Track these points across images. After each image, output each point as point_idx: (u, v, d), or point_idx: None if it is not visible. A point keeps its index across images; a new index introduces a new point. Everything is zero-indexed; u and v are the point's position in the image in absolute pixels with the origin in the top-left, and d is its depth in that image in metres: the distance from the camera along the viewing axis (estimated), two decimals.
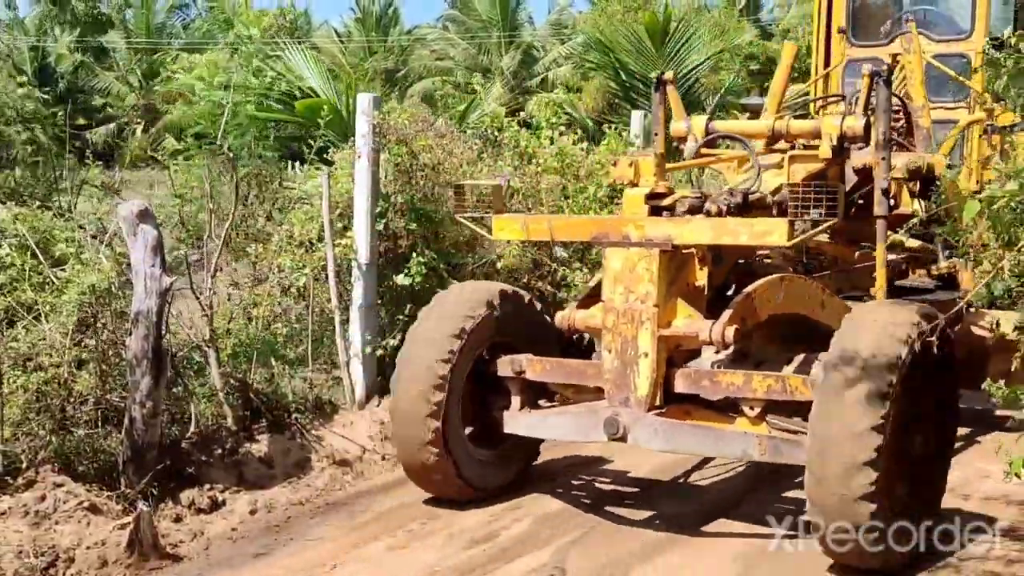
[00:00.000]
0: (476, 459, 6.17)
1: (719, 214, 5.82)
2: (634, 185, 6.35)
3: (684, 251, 5.69)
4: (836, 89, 8.67)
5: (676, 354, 5.72)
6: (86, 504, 5.51)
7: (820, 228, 5.36)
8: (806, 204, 5.16)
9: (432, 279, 7.52)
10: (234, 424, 6.53)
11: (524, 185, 8.58)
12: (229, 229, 6.98)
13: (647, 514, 6.08)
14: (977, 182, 7.40)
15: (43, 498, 5.44)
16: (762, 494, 6.37)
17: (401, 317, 7.58)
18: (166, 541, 5.50)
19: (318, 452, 6.87)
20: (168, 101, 43.72)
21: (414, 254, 7.44)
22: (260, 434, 6.72)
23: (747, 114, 7.89)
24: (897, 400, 4.72)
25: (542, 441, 6.51)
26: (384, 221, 7.42)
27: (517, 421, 6.12)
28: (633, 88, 14.30)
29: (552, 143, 9.17)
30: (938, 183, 6.80)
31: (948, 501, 5.81)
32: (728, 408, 5.63)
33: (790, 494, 6.14)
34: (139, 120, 40.63)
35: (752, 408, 5.41)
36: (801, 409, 5.17)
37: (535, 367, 6.06)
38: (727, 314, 5.47)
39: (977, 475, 6.56)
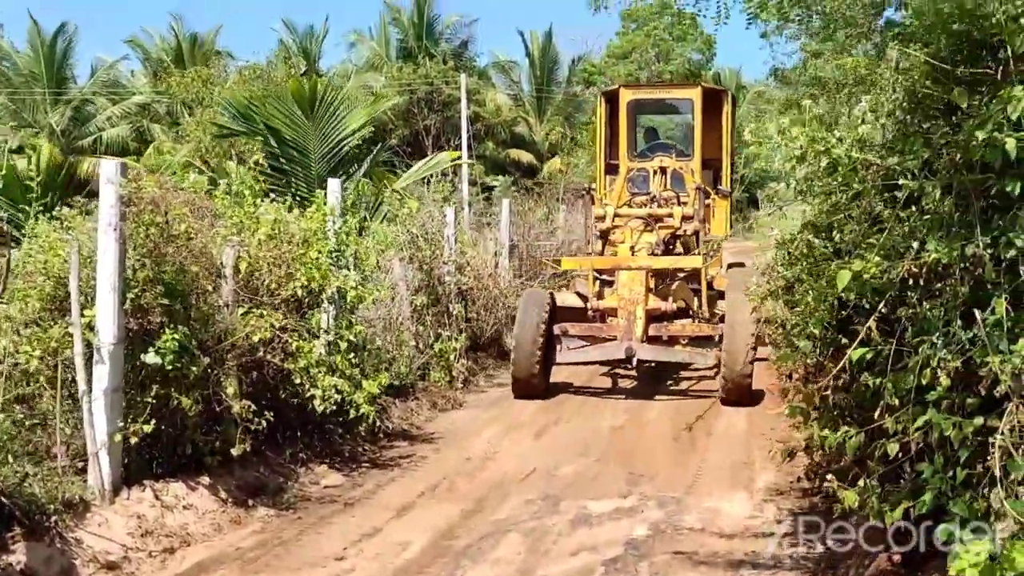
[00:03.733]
0: (542, 377, 11.89)
1: (659, 254, 12.46)
2: (624, 241, 12.87)
3: (651, 271, 12.10)
4: (623, 185, 13.91)
5: (649, 318, 11.79)
6: None
7: (711, 260, 12.98)
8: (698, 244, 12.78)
9: (184, 358, 6.97)
10: None
11: (251, 255, 8.24)
12: None
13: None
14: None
15: None
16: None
17: (148, 400, 6.97)
18: None
19: (81, 557, 6.16)
20: None
21: (167, 330, 6.87)
22: (15, 543, 5.87)
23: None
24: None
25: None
26: (132, 296, 6.79)
27: (565, 356, 12.22)
28: (289, 158, 14.03)
29: (257, 209, 8.89)
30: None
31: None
32: (670, 342, 12.13)
33: None
34: None
35: (684, 340, 12.10)
36: (702, 341, 11.93)
37: (576, 328, 12.30)
38: (671, 299, 12.28)
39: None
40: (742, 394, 11.01)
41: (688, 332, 12.10)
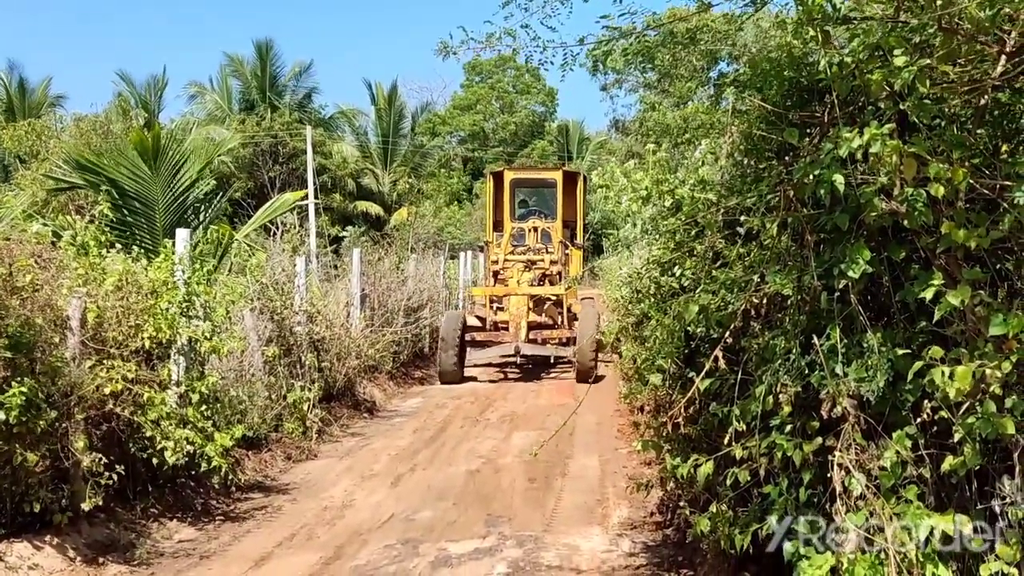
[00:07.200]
0: (461, 368, 17.87)
1: (537, 284, 19.62)
2: (512, 277, 19.43)
3: (531, 296, 18.73)
4: (508, 239, 20.43)
5: (530, 328, 18.51)
6: None
7: (571, 287, 19.73)
8: (560, 280, 20.12)
9: (29, 412, 6.74)
10: None
11: (99, 306, 8.03)
12: None
13: None
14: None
15: None
16: None
17: None
18: None
19: None
20: None
21: (12, 384, 6.64)
22: None
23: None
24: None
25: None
26: None
27: (474, 356, 18.37)
28: (132, 210, 13.65)
29: (103, 260, 8.71)
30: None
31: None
32: (543, 343, 18.74)
33: None
34: None
35: (552, 342, 18.71)
36: (566, 342, 18.65)
37: (481, 334, 19.14)
38: (544, 316, 19.64)
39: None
40: (589, 375, 16.89)
41: (555, 337, 18.72)
